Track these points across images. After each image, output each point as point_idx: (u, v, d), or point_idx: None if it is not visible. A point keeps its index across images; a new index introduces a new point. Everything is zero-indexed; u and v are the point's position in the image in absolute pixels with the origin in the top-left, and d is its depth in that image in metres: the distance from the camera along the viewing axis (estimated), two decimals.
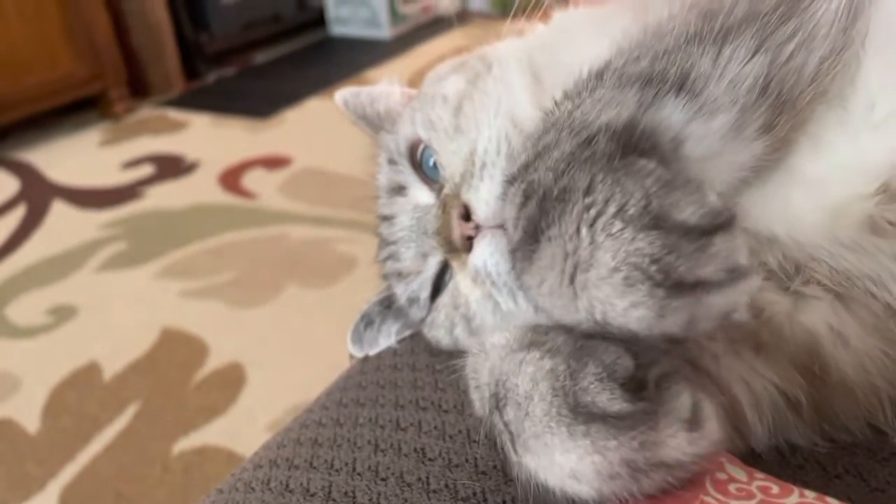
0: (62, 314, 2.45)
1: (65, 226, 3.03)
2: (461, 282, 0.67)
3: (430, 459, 0.58)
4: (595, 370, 0.42)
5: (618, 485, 0.41)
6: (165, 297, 2.50)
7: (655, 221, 0.41)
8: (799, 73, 0.51)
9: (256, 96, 4.32)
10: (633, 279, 0.40)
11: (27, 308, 2.50)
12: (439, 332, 0.72)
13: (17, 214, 3.13)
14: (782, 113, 0.51)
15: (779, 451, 0.51)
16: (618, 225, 0.41)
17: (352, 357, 0.83)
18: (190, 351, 2.23)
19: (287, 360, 2.17)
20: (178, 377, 2.13)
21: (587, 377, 0.42)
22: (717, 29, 0.52)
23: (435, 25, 5.55)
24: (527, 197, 0.46)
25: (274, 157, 3.48)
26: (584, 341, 0.45)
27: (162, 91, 4.45)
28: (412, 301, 0.74)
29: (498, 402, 0.44)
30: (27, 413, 2.03)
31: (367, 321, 0.82)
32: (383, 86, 0.86)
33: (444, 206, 0.65)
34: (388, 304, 0.82)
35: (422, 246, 0.70)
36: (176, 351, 2.24)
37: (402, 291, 0.74)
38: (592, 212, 0.42)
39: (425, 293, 0.72)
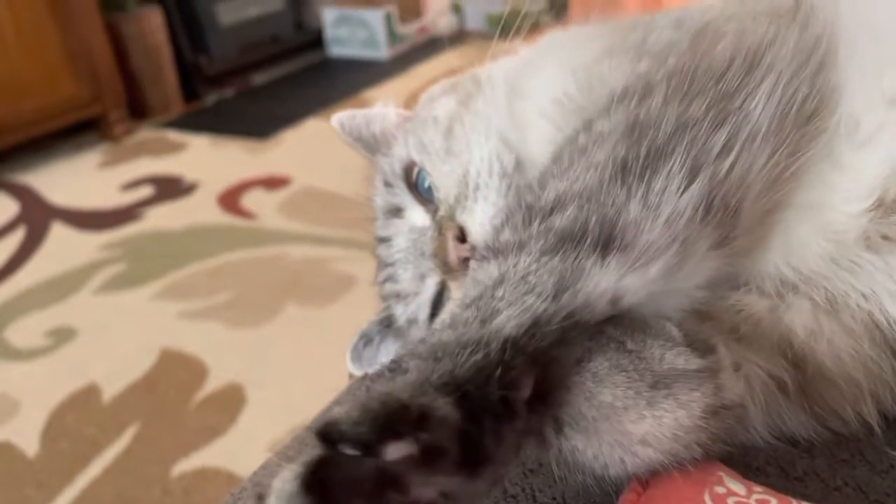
0: (61, 336, 2.44)
1: (64, 248, 3.03)
2: None
3: None
4: (660, 342, 0.46)
5: (690, 437, 0.45)
6: (164, 319, 2.50)
7: None
8: (743, 180, 0.49)
9: (255, 117, 4.34)
10: None
11: (26, 330, 2.50)
12: None
13: (17, 237, 3.13)
14: (736, 224, 0.50)
15: (778, 464, 0.51)
16: None
17: (351, 376, 0.83)
18: (189, 372, 2.23)
19: (287, 379, 2.16)
20: (177, 398, 2.13)
21: (655, 351, 0.46)
22: (645, 154, 0.49)
23: (432, 45, 5.59)
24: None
25: (273, 178, 3.49)
26: (629, 323, 0.48)
27: (161, 113, 4.47)
28: (411, 322, 0.74)
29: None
30: (26, 436, 2.02)
31: (366, 340, 0.82)
32: (379, 108, 0.87)
33: (439, 229, 0.66)
34: (388, 324, 0.82)
35: (419, 267, 0.70)
36: (175, 372, 2.24)
37: (401, 312, 0.75)
38: None
39: (424, 314, 0.72)
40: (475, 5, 5.73)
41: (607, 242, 0.46)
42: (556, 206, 0.49)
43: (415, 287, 0.72)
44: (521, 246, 0.48)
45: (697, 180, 0.47)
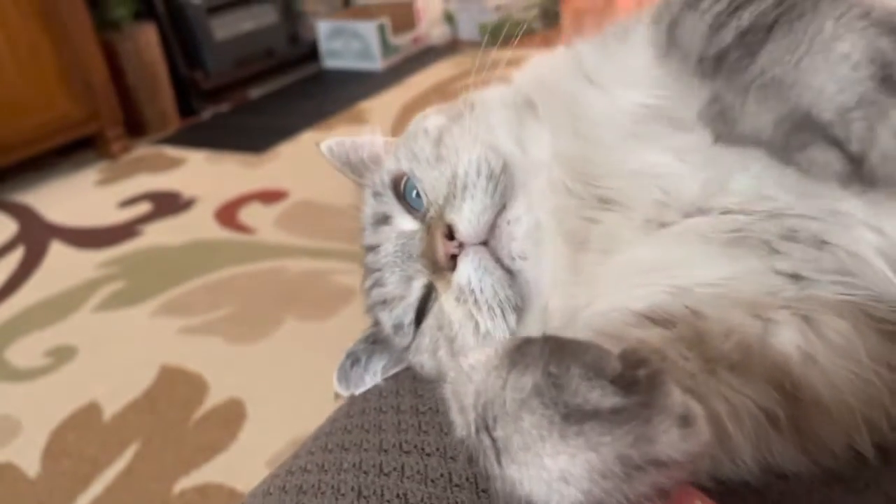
0: (61, 355, 2.45)
1: (63, 266, 3.04)
2: (445, 302, 0.69)
3: None
4: (580, 371, 0.42)
5: (609, 484, 0.41)
6: (164, 335, 2.51)
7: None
8: None
9: (252, 131, 4.36)
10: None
11: (27, 350, 2.51)
12: (423, 356, 0.74)
13: (16, 256, 3.14)
14: None
15: (756, 489, 0.51)
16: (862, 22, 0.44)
17: (337, 396, 0.84)
18: (189, 388, 2.24)
19: (286, 394, 2.17)
20: (177, 415, 2.14)
21: (573, 380, 0.42)
22: None
23: (426, 55, 5.61)
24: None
25: (270, 191, 3.50)
26: (562, 344, 0.45)
27: (158, 129, 4.49)
28: (397, 328, 0.76)
29: (486, 423, 0.44)
30: (27, 456, 2.03)
31: (353, 359, 0.84)
32: (367, 135, 0.89)
33: (428, 229, 0.69)
34: (373, 341, 0.84)
35: (406, 270, 0.73)
36: (175, 389, 2.25)
37: (386, 318, 0.76)
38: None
39: (409, 317, 0.74)
40: (468, 15, 5.76)
41: None
42: None
43: (401, 290, 0.74)
44: None
45: None
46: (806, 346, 0.53)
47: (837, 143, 0.43)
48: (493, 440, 0.44)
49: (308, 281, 2.73)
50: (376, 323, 0.81)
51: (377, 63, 5.44)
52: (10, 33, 3.62)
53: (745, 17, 0.48)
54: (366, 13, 5.61)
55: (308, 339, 2.42)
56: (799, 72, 0.44)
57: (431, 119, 0.77)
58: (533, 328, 0.66)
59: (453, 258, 0.66)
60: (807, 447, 0.52)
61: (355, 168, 0.88)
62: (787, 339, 0.53)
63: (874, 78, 0.42)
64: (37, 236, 3.32)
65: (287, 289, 2.70)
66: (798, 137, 0.45)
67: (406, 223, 0.74)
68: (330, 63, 5.64)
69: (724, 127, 0.48)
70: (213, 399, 2.18)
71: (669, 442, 0.40)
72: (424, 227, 0.70)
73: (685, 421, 0.41)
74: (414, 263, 0.71)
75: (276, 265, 2.86)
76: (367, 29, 5.40)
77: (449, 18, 5.99)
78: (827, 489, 0.51)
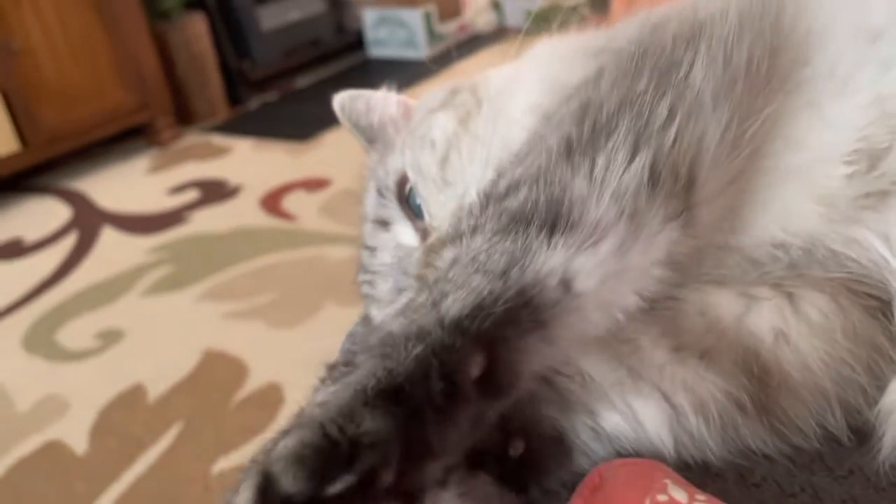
0: (110, 338, 2.53)
1: (114, 251, 3.13)
2: None
3: None
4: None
5: None
6: (208, 320, 2.57)
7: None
8: (693, 149, 0.49)
9: (297, 120, 4.40)
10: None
11: (77, 332, 2.59)
12: None
13: (70, 241, 3.24)
14: (692, 194, 0.49)
15: (737, 470, 0.52)
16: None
17: None
18: (230, 372, 2.29)
19: None
20: (218, 398, 2.19)
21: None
22: (589, 132, 0.49)
23: (472, 43, 5.59)
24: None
25: (314, 180, 3.55)
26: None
27: (207, 118, 4.57)
28: None
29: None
30: (75, 434, 2.10)
31: (353, 340, 0.85)
32: (382, 92, 0.86)
33: (427, 253, 0.66)
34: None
35: (400, 282, 0.71)
36: (217, 372, 2.30)
37: (376, 314, 0.76)
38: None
39: None
40: (515, 1, 5.71)
41: (554, 222, 0.46)
42: (510, 190, 0.50)
43: (392, 298, 0.73)
44: (475, 229, 0.49)
45: (641, 152, 0.47)
46: (783, 324, 0.52)
47: None
48: None
49: (348, 268, 2.73)
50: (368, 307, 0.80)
51: (422, 51, 5.43)
52: (66, 25, 3.72)
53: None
54: (411, 1, 5.60)
55: (346, 325, 2.43)
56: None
57: (439, 123, 0.72)
58: None
59: None
60: (775, 427, 0.52)
61: (365, 132, 0.86)
62: (765, 319, 0.53)
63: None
64: (90, 222, 3.42)
65: (327, 275, 2.72)
66: None
67: (406, 235, 0.72)
68: (375, 52, 5.65)
69: None
70: (253, 383, 2.22)
71: None
72: (424, 251, 0.68)
73: None
74: (407, 279, 0.70)
75: (318, 252, 2.90)
76: (413, 17, 5.40)
77: (496, 5, 5.95)
78: (809, 474, 0.51)
